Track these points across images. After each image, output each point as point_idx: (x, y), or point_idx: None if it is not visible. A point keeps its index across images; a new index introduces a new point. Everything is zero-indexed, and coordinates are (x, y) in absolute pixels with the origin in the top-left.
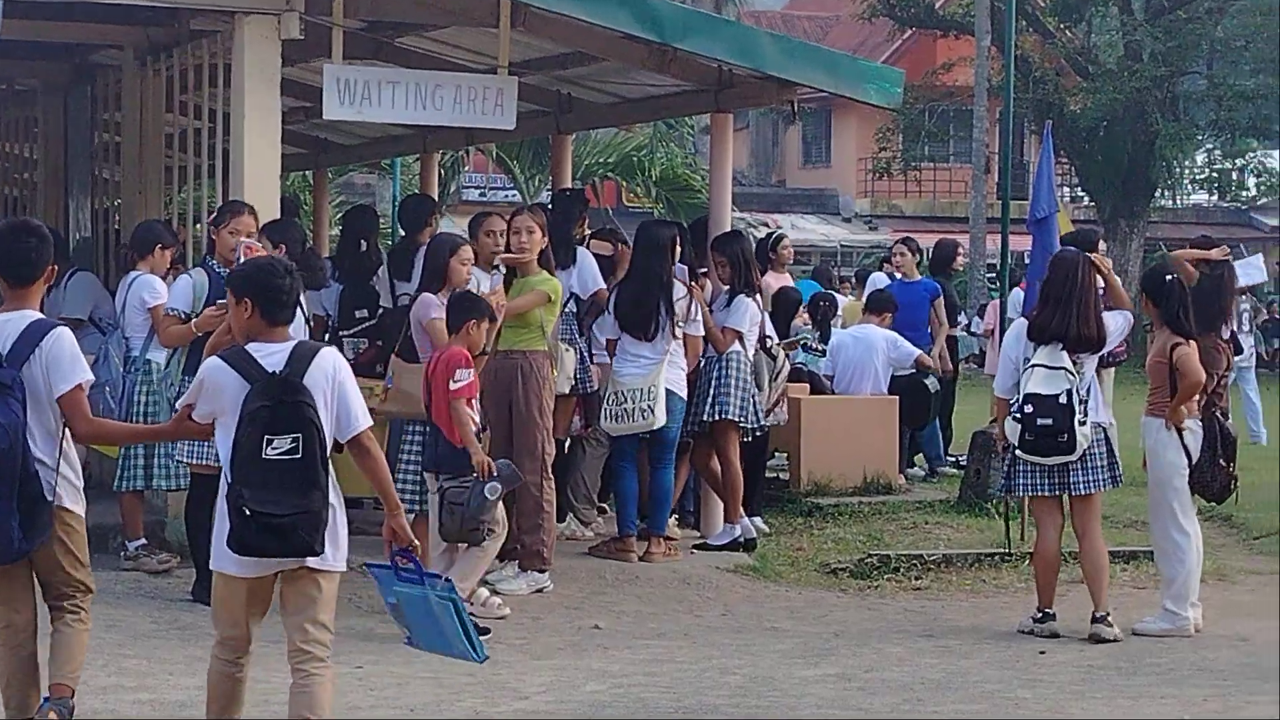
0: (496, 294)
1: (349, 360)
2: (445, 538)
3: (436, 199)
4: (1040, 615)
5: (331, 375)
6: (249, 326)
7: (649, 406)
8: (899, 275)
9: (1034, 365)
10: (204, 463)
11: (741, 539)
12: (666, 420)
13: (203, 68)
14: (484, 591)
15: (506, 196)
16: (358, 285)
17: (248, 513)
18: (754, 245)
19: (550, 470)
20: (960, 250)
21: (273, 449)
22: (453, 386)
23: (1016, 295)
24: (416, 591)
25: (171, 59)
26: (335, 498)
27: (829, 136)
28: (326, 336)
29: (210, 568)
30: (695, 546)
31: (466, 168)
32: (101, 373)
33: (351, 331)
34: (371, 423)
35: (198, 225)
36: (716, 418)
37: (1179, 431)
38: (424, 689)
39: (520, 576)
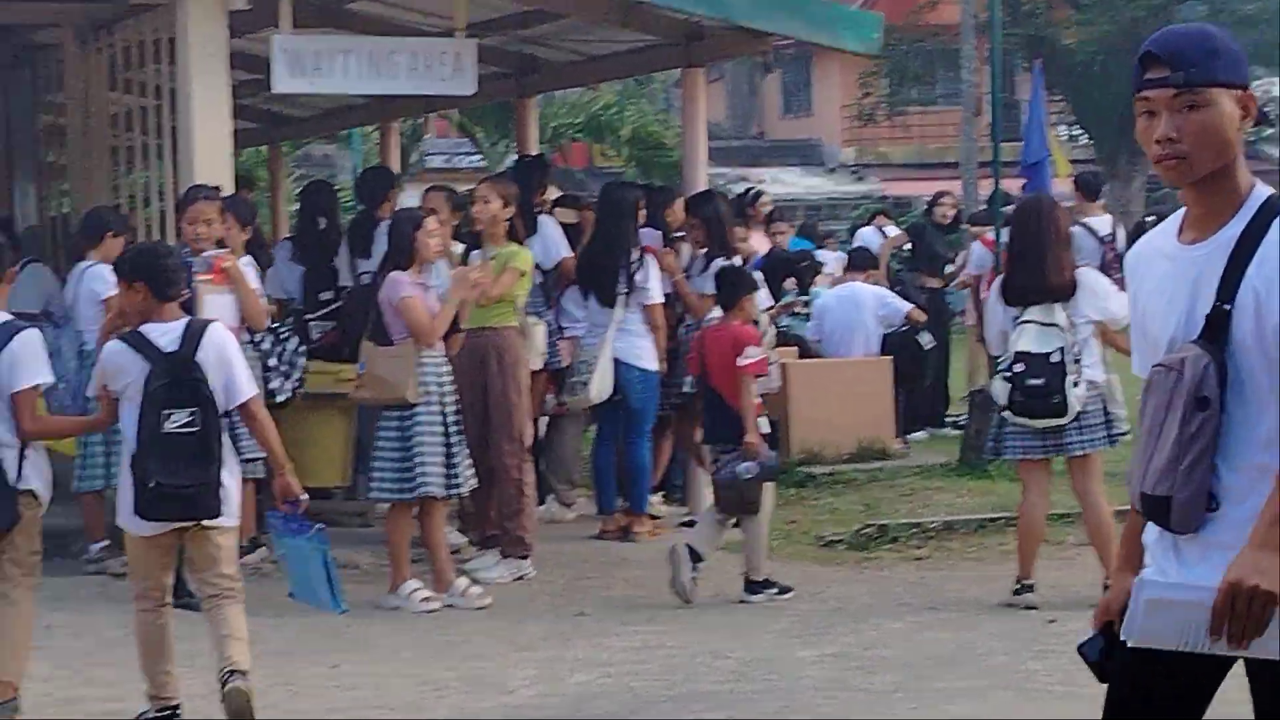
0: (484, 269)
1: (313, 343)
2: (725, 510)
3: (396, 171)
4: (1019, 586)
5: (220, 349)
6: (142, 308)
7: (585, 380)
8: None
9: (1026, 321)
10: None
11: None
12: (628, 393)
13: (146, 44)
14: (463, 581)
15: (472, 163)
16: (320, 266)
17: (152, 485)
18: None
19: (528, 452)
20: (946, 199)
21: (171, 423)
22: (741, 362)
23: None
24: (296, 541)
25: (113, 36)
26: (230, 462)
27: (810, 84)
28: (291, 320)
29: (119, 525)
30: (683, 524)
31: (428, 135)
32: (55, 369)
33: (317, 315)
34: (256, 391)
35: (148, 208)
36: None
37: None
38: (404, 687)
39: (501, 564)
